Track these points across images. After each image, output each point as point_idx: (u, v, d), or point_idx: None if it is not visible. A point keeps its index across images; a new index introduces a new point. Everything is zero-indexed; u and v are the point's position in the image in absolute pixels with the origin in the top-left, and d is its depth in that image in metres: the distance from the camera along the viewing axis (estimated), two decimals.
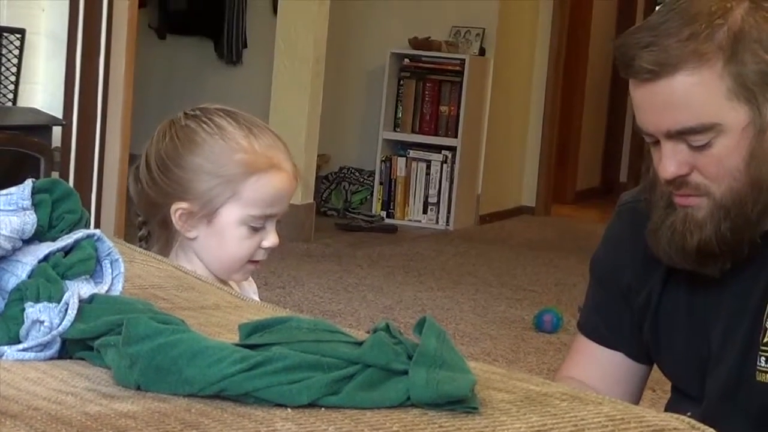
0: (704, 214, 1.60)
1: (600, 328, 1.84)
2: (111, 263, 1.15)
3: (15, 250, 1.11)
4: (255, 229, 1.88)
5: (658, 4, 10.68)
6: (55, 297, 1.06)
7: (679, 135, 1.58)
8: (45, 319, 1.04)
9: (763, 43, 1.55)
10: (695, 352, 1.71)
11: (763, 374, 1.62)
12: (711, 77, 1.55)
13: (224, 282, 1.93)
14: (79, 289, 1.07)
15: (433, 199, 7.76)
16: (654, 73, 1.56)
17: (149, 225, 1.95)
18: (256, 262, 1.92)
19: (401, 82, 7.83)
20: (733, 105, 1.56)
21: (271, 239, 1.90)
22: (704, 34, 1.55)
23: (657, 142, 1.61)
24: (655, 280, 1.75)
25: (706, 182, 1.59)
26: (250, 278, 2.06)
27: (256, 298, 1.95)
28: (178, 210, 1.87)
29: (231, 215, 1.86)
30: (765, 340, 1.62)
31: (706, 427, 1.00)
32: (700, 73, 1.55)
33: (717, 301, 1.68)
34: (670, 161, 1.59)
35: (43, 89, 4.72)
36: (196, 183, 1.86)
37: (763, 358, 1.62)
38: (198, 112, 1.90)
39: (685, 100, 1.56)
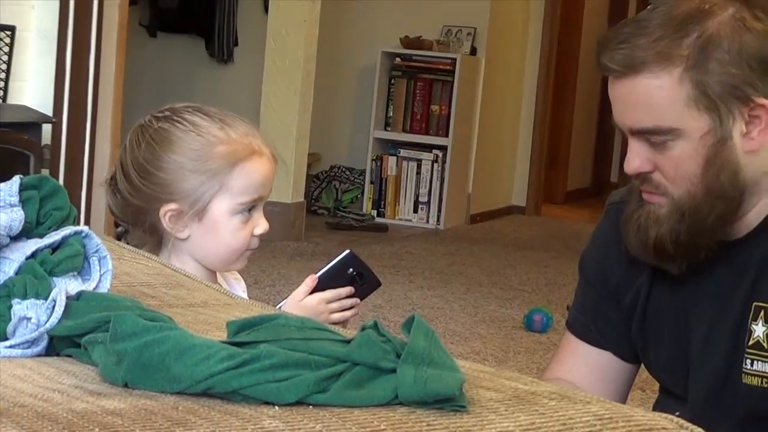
0: (663, 212, 1.63)
1: (589, 327, 1.84)
2: (99, 260, 1.14)
3: (2, 247, 1.11)
4: (246, 217, 1.89)
5: (650, 4, 10.68)
6: (43, 294, 1.05)
7: (640, 133, 1.61)
8: (32, 315, 1.03)
9: (732, 55, 1.55)
10: (680, 354, 1.71)
11: (750, 376, 1.63)
12: (671, 82, 1.56)
13: (214, 279, 1.93)
14: (66, 286, 1.07)
15: (423, 198, 7.75)
16: (620, 72, 1.59)
17: (130, 234, 1.94)
18: (252, 249, 1.92)
19: (392, 81, 7.82)
20: (692, 113, 1.56)
21: (262, 225, 1.91)
22: (673, 38, 1.55)
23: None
24: (641, 281, 1.75)
25: (666, 183, 1.61)
26: (239, 276, 2.06)
27: (245, 296, 1.95)
28: (167, 212, 1.87)
29: (221, 208, 1.87)
30: (750, 342, 1.62)
31: (695, 426, 1.00)
32: (660, 76, 1.56)
33: (696, 304, 1.69)
34: (633, 157, 1.62)
35: (33, 86, 4.71)
36: (182, 182, 1.86)
37: (749, 361, 1.63)
38: (167, 113, 1.90)
39: (645, 101, 1.58)
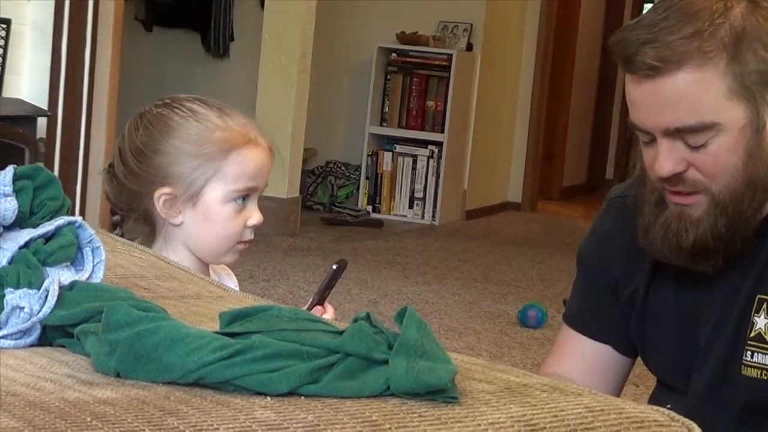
0: (701, 211, 1.60)
1: (586, 320, 1.84)
2: (92, 251, 1.14)
3: None
4: (240, 207, 1.89)
5: (647, 1, 10.67)
6: (36, 283, 1.05)
7: (678, 133, 1.56)
8: (25, 305, 1.03)
9: (764, 42, 1.55)
10: (683, 348, 1.71)
11: (750, 368, 1.62)
12: (714, 76, 1.54)
13: (207, 273, 1.94)
14: (59, 276, 1.07)
15: (419, 194, 7.76)
16: (656, 69, 1.54)
17: (126, 224, 1.94)
18: (245, 242, 1.92)
19: (388, 76, 7.82)
20: (733, 104, 1.55)
21: (255, 217, 1.92)
22: (708, 32, 1.53)
23: (652, 140, 1.60)
24: (641, 275, 1.74)
25: (703, 179, 1.58)
26: (231, 272, 2.06)
27: None
28: (161, 196, 1.87)
29: (215, 194, 1.87)
30: (752, 334, 1.62)
31: (686, 419, 1.01)
32: (703, 71, 1.53)
33: (706, 298, 1.68)
34: (667, 159, 1.58)
35: (28, 80, 4.71)
36: (177, 166, 1.87)
37: (749, 353, 1.62)
38: (168, 101, 1.92)
39: (687, 97, 1.54)
